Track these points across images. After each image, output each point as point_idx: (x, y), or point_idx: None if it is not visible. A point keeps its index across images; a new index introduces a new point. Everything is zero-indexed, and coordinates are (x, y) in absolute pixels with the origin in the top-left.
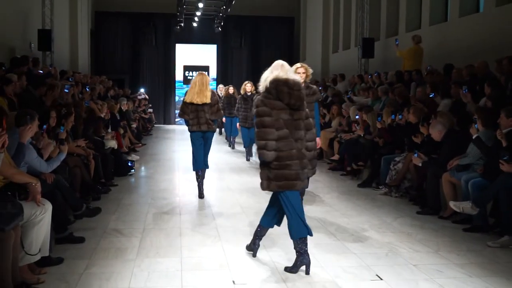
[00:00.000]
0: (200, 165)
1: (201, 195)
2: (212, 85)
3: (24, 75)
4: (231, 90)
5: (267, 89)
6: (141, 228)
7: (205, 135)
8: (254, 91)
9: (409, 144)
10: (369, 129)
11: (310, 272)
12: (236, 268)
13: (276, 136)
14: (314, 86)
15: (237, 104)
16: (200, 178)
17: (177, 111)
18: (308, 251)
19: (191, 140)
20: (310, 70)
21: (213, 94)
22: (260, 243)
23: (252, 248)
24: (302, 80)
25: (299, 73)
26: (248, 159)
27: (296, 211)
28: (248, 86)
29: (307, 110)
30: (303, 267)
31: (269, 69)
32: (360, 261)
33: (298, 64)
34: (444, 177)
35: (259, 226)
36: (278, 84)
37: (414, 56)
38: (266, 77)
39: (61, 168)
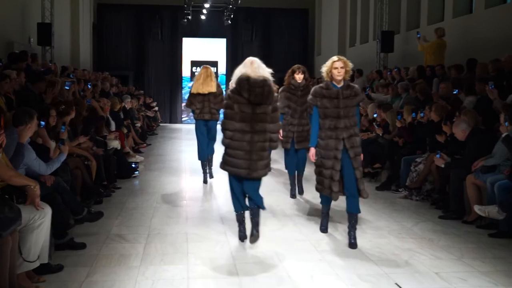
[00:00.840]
0: (204, 155)
1: (205, 180)
2: (221, 79)
3: (23, 72)
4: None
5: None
6: (145, 234)
7: (208, 123)
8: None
9: (431, 144)
10: (388, 128)
11: (324, 280)
12: (246, 276)
13: (234, 127)
14: (356, 86)
15: None
16: (208, 163)
17: (183, 110)
18: (246, 225)
19: (195, 128)
20: (350, 65)
21: (218, 85)
22: (273, 252)
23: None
24: (341, 77)
25: (336, 68)
26: None
27: (233, 191)
28: None
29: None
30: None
31: (241, 65)
32: (378, 269)
33: (335, 58)
34: (468, 179)
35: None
36: (240, 81)
37: (436, 50)
38: (237, 73)
39: (62, 169)
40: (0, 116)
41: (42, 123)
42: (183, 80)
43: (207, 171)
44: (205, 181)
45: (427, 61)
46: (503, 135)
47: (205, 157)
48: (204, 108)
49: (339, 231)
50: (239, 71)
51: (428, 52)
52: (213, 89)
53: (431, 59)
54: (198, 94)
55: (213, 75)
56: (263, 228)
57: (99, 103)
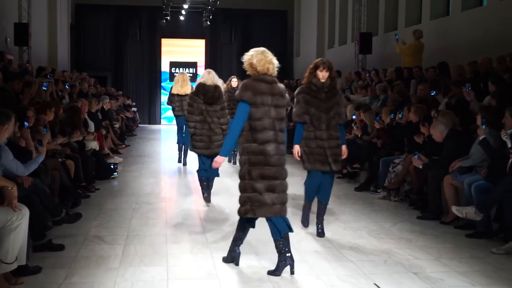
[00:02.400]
0: (181, 139)
1: (180, 160)
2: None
3: (0, 72)
4: (234, 82)
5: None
6: (124, 235)
7: (183, 118)
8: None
9: (409, 145)
10: (366, 129)
11: (304, 280)
12: (226, 277)
13: (195, 120)
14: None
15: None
16: (183, 151)
17: (162, 110)
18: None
19: (176, 122)
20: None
21: (192, 88)
22: (253, 253)
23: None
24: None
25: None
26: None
27: (200, 164)
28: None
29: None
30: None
31: (202, 74)
32: (357, 269)
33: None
34: (446, 180)
35: None
36: (198, 86)
37: (414, 52)
38: (198, 80)
39: (43, 171)
40: None
41: (26, 124)
42: (162, 81)
43: (183, 154)
44: (179, 161)
45: (405, 63)
46: (480, 138)
47: (181, 142)
48: (182, 106)
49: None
50: (199, 79)
51: (406, 54)
52: (188, 91)
53: (409, 61)
54: (177, 94)
55: (188, 80)
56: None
57: (77, 103)
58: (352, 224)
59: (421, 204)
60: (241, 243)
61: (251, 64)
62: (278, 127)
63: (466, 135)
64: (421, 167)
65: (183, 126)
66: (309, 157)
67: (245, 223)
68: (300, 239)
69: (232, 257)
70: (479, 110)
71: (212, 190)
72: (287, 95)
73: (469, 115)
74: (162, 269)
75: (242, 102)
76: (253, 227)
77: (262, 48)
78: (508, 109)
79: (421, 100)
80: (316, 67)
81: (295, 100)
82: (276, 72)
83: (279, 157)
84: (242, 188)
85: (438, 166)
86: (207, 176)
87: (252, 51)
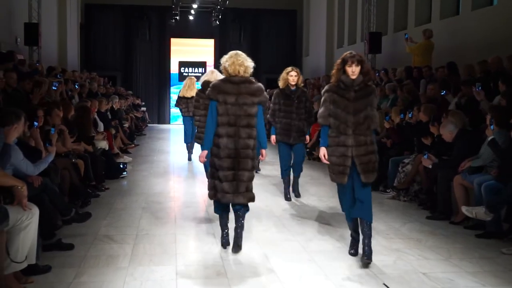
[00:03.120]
0: (189, 139)
1: (190, 158)
2: None
3: (14, 72)
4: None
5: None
6: (133, 234)
7: (192, 119)
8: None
9: (418, 145)
10: (376, 129)
11: (313, 280)
12: (234, 277)
13: (200, 114)
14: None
15: None
16: (190, 148)
17: (172, 110)
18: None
19: (183, 122)
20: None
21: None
22: (262, 253)
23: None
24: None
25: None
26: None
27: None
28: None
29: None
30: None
31: (205, 74)
32: (366, 269)
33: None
34: (455, 180)
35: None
36: (204, 83)
37: (424, 51)
38: (202, 78)
39: (53, 171)
40: None
41: (35, 123)
42: (171, 81)
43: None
44: (189, 159)
45: (414, 63)
46: (489, 139)
47: (188, 141)
48: (188, 107)
49: (328, 232)
50: (203, 77)
51: (415, 53)
52: (193, 94)
53: (418, 61)
54: (184, 97)
55: (195, 84)
56: (251, 230)
57: (87, 103)
58: None
59: (430, 204)
60: (226, 228)
61: (224, 67)
62: (242, 123)
63: (476, 135)
64: (430, 167)
65: (190, 126)
66: (333, 168)
67: (218, 207)
68: (309, 239)
69: (222, 243)
70: (488, 109)
71: None
72: (265, 93)
73: (479, 115)
74: (171, 268)
75: (210, 99)
76: (227, 211)
77: (235, 52)
78: None
79: (431, 99)
80: (344, 62)
81: (322, 99)
82: (249, 73)
83: (236, 151)
84: (209, 175)
85: (448, 166)
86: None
87: (227, 55)
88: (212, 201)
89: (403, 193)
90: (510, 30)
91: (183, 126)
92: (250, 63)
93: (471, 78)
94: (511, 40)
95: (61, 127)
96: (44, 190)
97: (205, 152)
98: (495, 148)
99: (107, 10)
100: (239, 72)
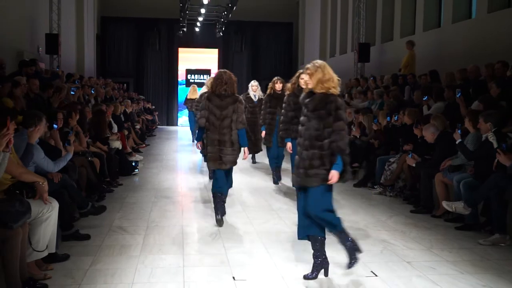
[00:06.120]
0: (192, 127)
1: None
2: None
3: (36, 78)
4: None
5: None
6: (144, 226)
7: (194, 113)
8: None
9: (403, 145)
10: (365, 131)
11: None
12: (236, 265)
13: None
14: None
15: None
16: (193, 134)
17: (180, 113)
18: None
19: (188, 115)
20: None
21: (200, 95)
22: (261, 243)
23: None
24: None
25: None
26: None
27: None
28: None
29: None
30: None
31: (208, 79)
32: None
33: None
34: (437, 177)
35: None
36: (201, 95)
37: (410, 61)
38: (205, 87)
39: (72, 168)
40: (7, 116)
41: (55, 126)
42: (179, 86)
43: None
44: (193, 141)
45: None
46: (457, 142)
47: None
48: (192, 106)
49: None
50: (207, 82)
51: (403, 66)
52: (196, 96)
53: (406, 72)
54: (190, 99)
55: (197, 90)
56: (253, 223)
57: (102, 107)
58: (351, 217)
59: (414, 199)
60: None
61: (210, 85)
62: (223, 125)
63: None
64: (414, 165)
65: (193, 118)
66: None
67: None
68: None
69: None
70: (466, 113)
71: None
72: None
73: (459, 118)
74: (179, 257)
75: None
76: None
77: (221, 72)
78: (481, 115)
79: (415, 105)
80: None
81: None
82: (233, 89)
83: (218, 141)
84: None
85: (430, 164)
86: None
87: (212, 75)
88: (215, 196)
89: (389, 189)
90: (487, 41)
91: (187, 118)
92: (232, 81)
93: (454, 85)
94: (489, 50)
95: (77, 128)
96: (63, 186)
97: (197, 143)
98: (463, 150)
99: (121, 23)
100: (225, 90)
